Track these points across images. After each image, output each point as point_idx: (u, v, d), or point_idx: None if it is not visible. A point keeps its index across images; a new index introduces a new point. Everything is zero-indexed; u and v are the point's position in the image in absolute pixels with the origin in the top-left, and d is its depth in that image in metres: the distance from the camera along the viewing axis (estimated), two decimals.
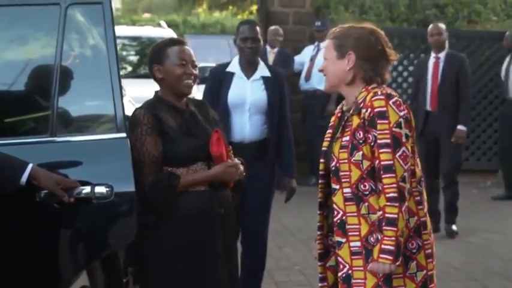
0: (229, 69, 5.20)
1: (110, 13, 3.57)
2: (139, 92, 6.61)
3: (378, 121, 3.11)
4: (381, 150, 3.10)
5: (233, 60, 5.30)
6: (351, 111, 3.21)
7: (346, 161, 3.16)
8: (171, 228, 3.57)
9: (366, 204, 3.14)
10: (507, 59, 9.74)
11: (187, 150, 3.59)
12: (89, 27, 3.69)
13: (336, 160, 3.19)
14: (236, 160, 3.72)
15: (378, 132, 3.10)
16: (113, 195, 3.46)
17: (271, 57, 10.18)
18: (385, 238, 3.06)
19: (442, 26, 8.06)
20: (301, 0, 11.44)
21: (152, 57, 3.75)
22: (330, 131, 3.32)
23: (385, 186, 3.08)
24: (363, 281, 3.14)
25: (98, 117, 3.70)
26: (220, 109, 4.84)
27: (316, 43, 10.32)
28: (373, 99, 3.14)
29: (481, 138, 10.98)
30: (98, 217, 3.53)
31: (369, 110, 3.13)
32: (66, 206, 3.38)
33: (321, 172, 3.33)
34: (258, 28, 5.17)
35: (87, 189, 3.44)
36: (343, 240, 3.17)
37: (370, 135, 3.13)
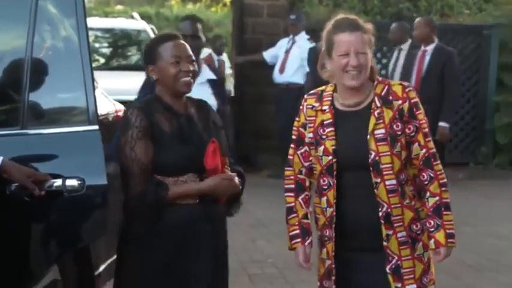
0: None
1: (82, 4, 3.54)
2: (111, 84, 6.59)
3: (417, 112, 3.25)
4: (427, 139, 3.27)
5: None
6: (379, 104, 3.23)
7: (388, 153, 3.21)
8: (151, 245, 3.32)
9: (404, 193, 3.24)
10: (395, 54, 9.21)
11: (177, 159, 3.31)
12: (61, 18, 3.65)
13: (375, 153, 3.20)
14: (230, 173, 3.41)
15: (421, 122, 3.25)
16: (85, 188, 3.43)
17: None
18: (447, 223, 3.23)
19: (425, 19, 8.04)
20: None
21: (145, 58, 3.47)
22: (331, 128, 3.28)
23: (437, 173, 3.26)
24: (412, 269, 3.26)
25: (70, 109, 3.66)
26: None
27: (290, 36, 10.30)
28: (406, 90, 3.26)
29: (451, 131, 11.03)
30: (69, 210, 3.49)
31: (407, 101, 3.23)
32: (37, 199, 3.34)
33: (334, 172, 3.25)
34: (199, 25, 4.93)
35: (58, 182, 3.40)
36: (391, 232, 3.23)
37: (411, 126, 3.24)
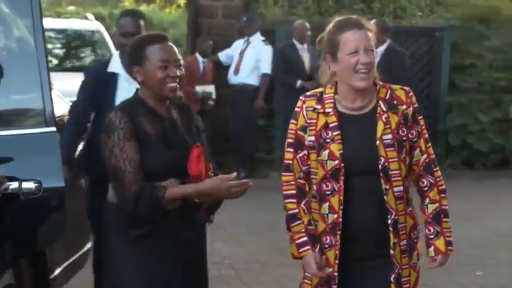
0: (111, 69, 4.40)
1: (38, 5, 3.49)
2: (65, 85, 6.51)
3: (418, 117, 3.22)
4: (428, 145, 3.24)
5: (113, 58, 4.53)
6: (385, 108, 3.16)
7: (396, 159, 3.14)
8: (139, 250, 3.23)
9: (408, 200, 3.21)
10: (307, 57, 9.11)
11: (162, 163, 3.21)
12: (15, 19, 3.61)
13: (384, 159, 3.12)
14: (229, 175, 3.30)
15: (422, 127, 3.21)
16: (42, 191, 3.39)
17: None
18: (446, 230, 3.23)
19: (375, 21, 8.10)
20: None
21: (130, 58, 3.32)
22: (337, 132, 3.15)
23: (437, 179, 3.24)
24: (408, 278, 3.22)
25: (26, 111, 3.63)
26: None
27: (246, 38, 10.31)
28: (409, 95, 3.22)
29: None
30: (25, 213, 3.45)
31: (411, 106, 3.19)
32: None
33: (341, 177, 3.13)
34: (141, 22, 4.47)
35: (14, 185, 3.36)
36: (396, 240, 3.17)
37: (413, 131, 3.19)
